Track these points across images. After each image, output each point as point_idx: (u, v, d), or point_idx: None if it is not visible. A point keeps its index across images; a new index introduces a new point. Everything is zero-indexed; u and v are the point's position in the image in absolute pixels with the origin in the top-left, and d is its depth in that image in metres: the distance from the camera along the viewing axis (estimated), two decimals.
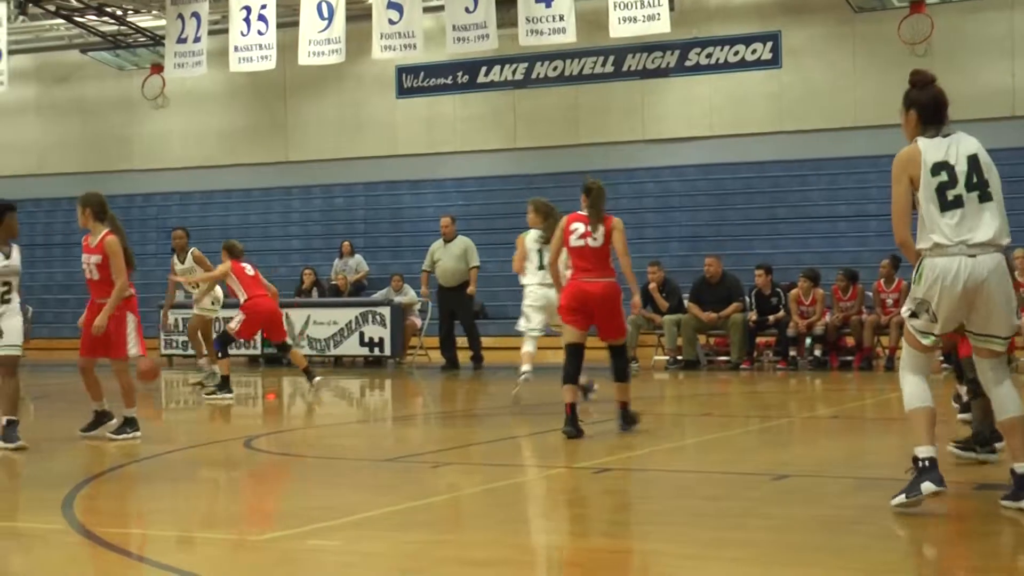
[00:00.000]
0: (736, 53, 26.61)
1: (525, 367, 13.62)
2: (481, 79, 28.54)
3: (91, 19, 28.54)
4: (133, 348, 10.56)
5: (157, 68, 28.24)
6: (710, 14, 26.92)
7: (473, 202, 26.89)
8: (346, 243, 25.26)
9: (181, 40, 24.74)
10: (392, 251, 26.89)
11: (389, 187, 29.10)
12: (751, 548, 6.14)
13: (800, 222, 25.08)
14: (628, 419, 10.94)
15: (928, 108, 6.95)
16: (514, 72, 28.32)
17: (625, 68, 27.53)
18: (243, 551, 6.33)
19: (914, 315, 6.83)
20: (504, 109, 28.49)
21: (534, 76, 28.19)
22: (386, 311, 21.27)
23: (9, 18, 26.13)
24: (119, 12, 28.16)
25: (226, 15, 24.87)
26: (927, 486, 6.66)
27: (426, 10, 23.98)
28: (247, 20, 24.18)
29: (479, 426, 13.01)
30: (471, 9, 22.99)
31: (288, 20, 24.64)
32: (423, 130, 28.99)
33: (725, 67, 26.65)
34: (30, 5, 25.66)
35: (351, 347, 21.35)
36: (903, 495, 6.78)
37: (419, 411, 15.03)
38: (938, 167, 6.73)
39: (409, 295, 22.34)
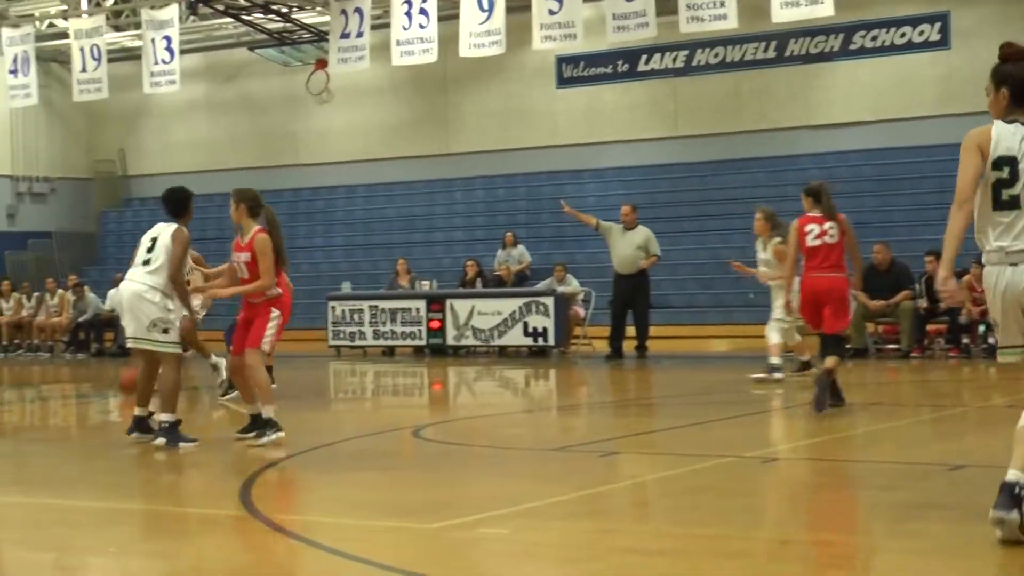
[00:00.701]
0: (903, 35, 26.07)
1: (776, 359, 14.19)
2: (641, 67, 28.42)
3: (258, 17, 29.14)
4: (267, 345, 9.97)
5: (321, 64, 28.70)
6: None
7: (634, 191, 26.79)
8: (509, 234, 25.39)
9: (344, 35, 25.13)
10: (554, 241, 26.94)
11: (550, 177, 29.16)
12: (928, 539, 6.03)
13: None
14: (833, 394, 11.27)
15: (1020, 85, 6.20)
16: (674, 60, 28.14)
17: (787, 53, 27.16)
18: (415, 539, 6.41)
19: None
20: (664, 97, 28.35)
21: (695, 63, 27.97)
22: (549, 301, 21.32)
23: (180, 18, 26.84)
24: (284, 9, 28.70)
25: (388, 10, 25.18)
26: None
27: (586, 0, 23.97)
28: (408, 14, 24.45)
29: (646, 415, 12.98)
30: None
31: (449, 13, 24.85)
32: (583, 119, 28.99)
33: (891, 50, 26.13)
34: (200, 5, 26.29)
35: (515, 337, 21.45)
36: None
37: (584, 400, 15.04)
38: (1002, 161, 6.05)
39: (572, 285, 22.36)
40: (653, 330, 20.68)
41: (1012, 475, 5.86)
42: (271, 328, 9.98)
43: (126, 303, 10.00)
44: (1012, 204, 6.00)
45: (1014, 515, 5.76)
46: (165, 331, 9.87)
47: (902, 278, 19.82)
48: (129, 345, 10.38)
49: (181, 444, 9.76)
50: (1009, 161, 6.01)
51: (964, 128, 25.45)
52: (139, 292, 9.83)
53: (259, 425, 9.98)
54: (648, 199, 25.92)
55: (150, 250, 9.97)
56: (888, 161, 26.15)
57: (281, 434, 9.87)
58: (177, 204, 10.29)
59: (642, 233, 20.22)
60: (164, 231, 10.08)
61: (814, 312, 11.67)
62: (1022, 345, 6.09)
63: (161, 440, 9.79)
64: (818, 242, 11.72)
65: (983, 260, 6.13)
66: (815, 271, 11.66)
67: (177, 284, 9.92)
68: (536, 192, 29.20)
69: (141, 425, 10.10)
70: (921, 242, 22.39)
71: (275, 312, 10.07)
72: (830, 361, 11.34)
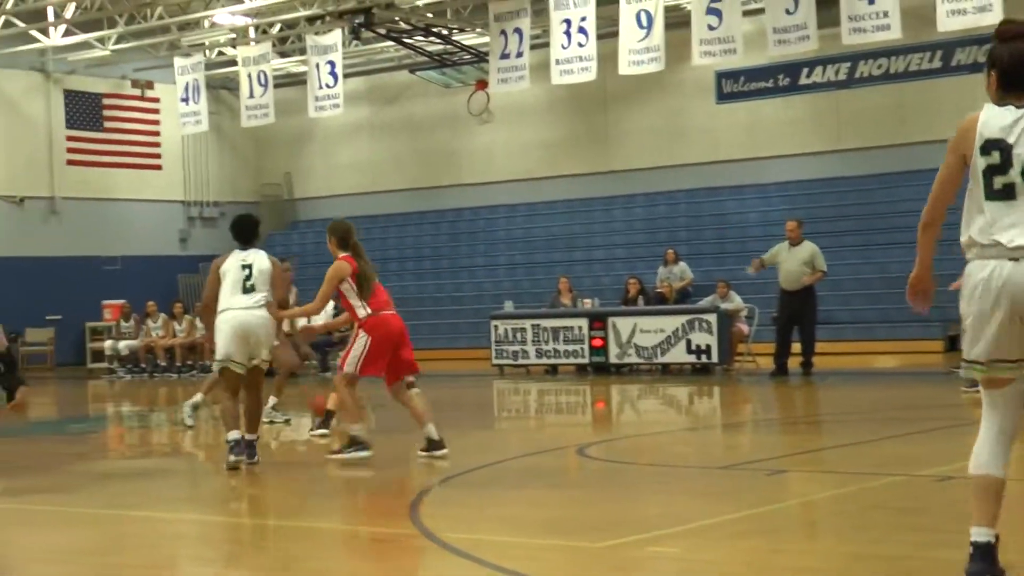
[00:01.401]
0: None
1: None
2: (803, 80, 28.09)
3: (419, 40, 29.55)
4: (350, 367, 10.10)
5: (482, 84, 28.96)
6: None
7: (797, 206, 26.48)
8: (670, 251, 25.30)
9: (504, 56, 25.32)
10: (716, 257, 26.77)
11: (710, 193, 29.01)
12: None
13: None
14: None
15: (1009, 68, 5.43)
16: (837, 72, 27.76)
17: (954, 63, 26.62)
18: (583, 557, 6.44)
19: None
20: (827, 110, 28.00)
21: (858, 75, 27.56)
22: (712, 318, 21.18)
23: (344, 43, 27.34)
24: (445, 31, 29.05)
25: (547, 29, 25.30)
26: None
27: (745, 14, 23.79)
28: (567, 33, 24.53)
29: (813, 432, 12.82)
30: (792, 10, 22.69)
31: (607, 31, 24.88)
32: (744, 135, 28.78)
33: None
34: (363, 30, 26.76)
35: (678, 355, 21.35)
36: None
37: (749, 418, 14.92)
38: (990, 145, 5.30)
39: (735, 301, 22.19)
40: (818, 346, 20.42)
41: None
42: (356, 350, 10.15)
43: (254, 328, 10.03)
44: (1006, 193, 5.31)
45: None
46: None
47: None
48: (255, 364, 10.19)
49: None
50: (999, 144, 5.30)
51: None
52: (262, 317, 10.02)
53: (432, 447, 10.21)
54: (811, 214, 25.60)
55: (248, 278, 10.11)
56: None
57: (367, 453, 10.07)
58: (251, 230, 10.46)
59: (808, 248, 19.99)
60: (257, 257, 10.24)
61: None
62: (1007, 361, 5.33)
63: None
64: None
65: (968, 259, 5.44)
66: None
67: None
68: (697, 208, 29.07)
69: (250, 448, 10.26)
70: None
71: (363, 335, 10.19)
72: None
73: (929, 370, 19.60)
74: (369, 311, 10.31)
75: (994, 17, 21.45)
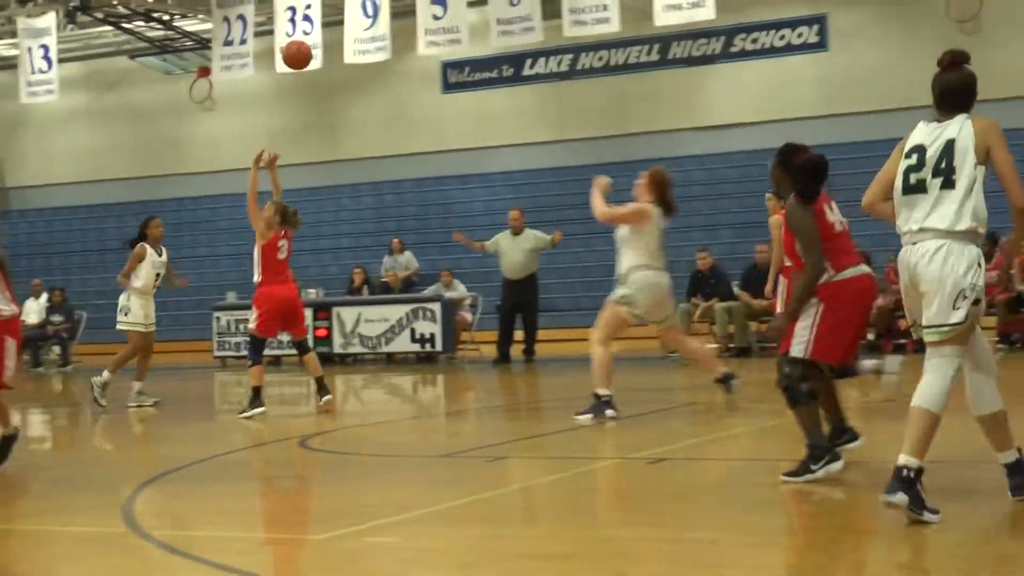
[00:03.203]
0: (782, 37, 26.47)
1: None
2: (527, 72, 28.54)
3: (138, 25, 28.77)
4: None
5: (204, 71, 28.44)
6: None
7: (522, 195, 26.86)
8: (396, 240, 25.31)
9: (228, 43, 24.90)
10: (442, 247, 26.91)
11: (438, 183, 29.14)
12: (811, 535, 6.10)
13: (852, 205, 24.80)
14: None
15: (937, 92, 6.66)
16: (559, 63, 28.29)
17: (671, 56, 27.44)
18: (303, 550, 6.35)
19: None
20: (551, 101, 28.47)
21: (580, 67, 28.14)
22: (436, 307, 21.30)
23: (59, 27, 26.39)
24: (166, 17, 28.36)
25: (271, 16, 24.99)
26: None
27: (470, 4, 23.99)
28: (292, 20, 24.29)
29: (533, 419, 13.00)
30: (515, 2, 23.02)
31: (333, 19, 24.72)
32: (470, 124, 29.01)
33: (772, 52, 26.52)
34: (79, 13, 25.86)
35: (402, 344, 21.40)
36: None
37: (472, 405, 15.03)
38: (913, 150, 6.47)
39: (459, 290, 22.36)
40: (541, 334, 20.74)
41: (902, 459, 6.09)
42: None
43: None
44: (918, 188, 6.38)
45: (899, 497, 5.94)
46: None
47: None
48: None
49: None
50: (918, 148, 6.43)
51: (844, 128, 26.21)
52: None
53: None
54: (535, 203, 26.01)
55: None
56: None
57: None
58: None
59: (531, 237, 20.27)
60: None
61: None
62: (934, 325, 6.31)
63: None
64: None
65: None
66: None
67: None
68: (423, 198, 29.16)
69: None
70: None
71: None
72: None
73: (648, 355, 20.11)
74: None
75: (707, 13, 22.20)
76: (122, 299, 14.93)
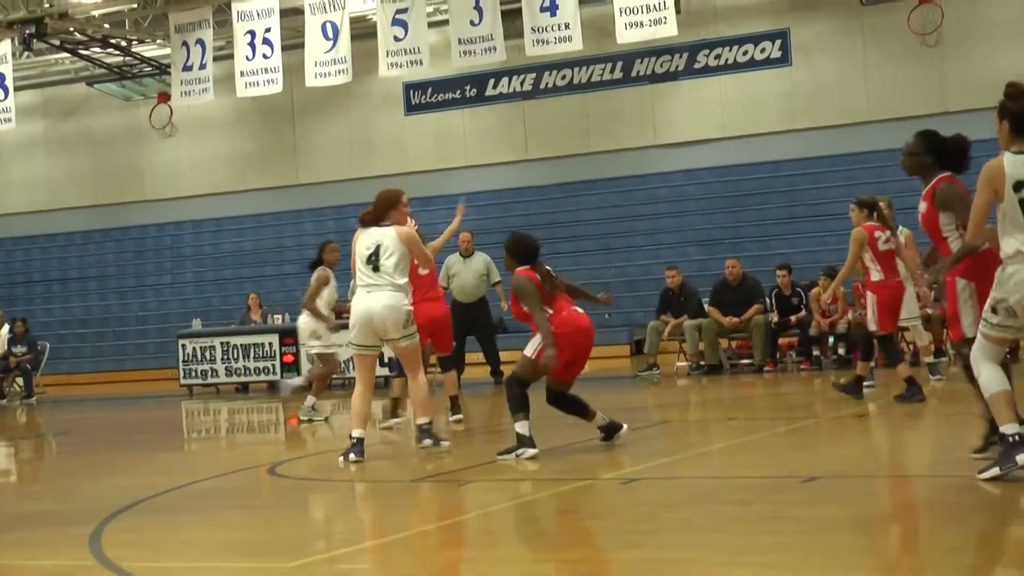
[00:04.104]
0: (745, 53, 26.65)
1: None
2: (489, 92, 28.62)
3: (96, 51, 28.70)
4: None
5: (164, 97, 28.37)
6: (717, 15, 26.97)
7: (486, 216, 26.93)
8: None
9: (187, 68, 24.85)
10: None
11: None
12: (782, 552, 6.15)
13: (818, 220, 25.05)
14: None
15: (1020, 120, 7.46)
16: (522, 83, 28.39)
17: (634, 74, 27.58)
18: None
19: (993, 311, 7.47)
20: (514, 121, 28.56)
21: (542, 86, 28.25)
22: None
23: (14, 54, 26.30)
24: (124, 43, 28.30)
25: (231, 40, 24.99)
26: (1021, 457, 7.24)
27: (431, 25, 24.05)
28: (252, 44, 24.26)
29: (503, 442, 13.00)
30: (476, 22, 23.05)
31: (293, 42, 24.74)
32: (433, 146, 29.07)
33: (735, 67, 26.69)
34: (34, 40, 25.77)
35: None
36: (996, 468, 7.33)
37: (441, 430, 15.03)
38: (1019, 185, 7.36)
39: None
40: (510, 355, 20.74)
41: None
42: None
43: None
44: None
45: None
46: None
47: (753, 293, 20.16)
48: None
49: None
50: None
51: (809, 142, 26.31)
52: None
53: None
54: (500, 223, 26.06)
55: None
56: (737, 177, 26.65)
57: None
58: None
59: (481, 260, 20.27)
60: None
61: None
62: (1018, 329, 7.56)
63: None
64: (887, 247, 13.22)
65: (1009, 263, 7.41)
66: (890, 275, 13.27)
67: None
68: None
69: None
70: (771, 256, 22.88)
71: None
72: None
73: (618, 375, 20.18)
74: None
75: (669, 30, 22.32)
76: (308, 324, 15.17)
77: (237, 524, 8.12)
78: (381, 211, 11.08)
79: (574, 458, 10.46)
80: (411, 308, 11.04)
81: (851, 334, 19.36)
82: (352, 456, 10.43)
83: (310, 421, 14.72)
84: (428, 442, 10.91)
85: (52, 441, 14.51)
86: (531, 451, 10.16)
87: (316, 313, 15.01)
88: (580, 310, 10.70)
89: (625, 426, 10.77)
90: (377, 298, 10.82)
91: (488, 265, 20.12)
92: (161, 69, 28.30)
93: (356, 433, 10.54)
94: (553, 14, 22.53)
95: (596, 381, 19.66)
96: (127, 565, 6.69)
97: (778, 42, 26.43)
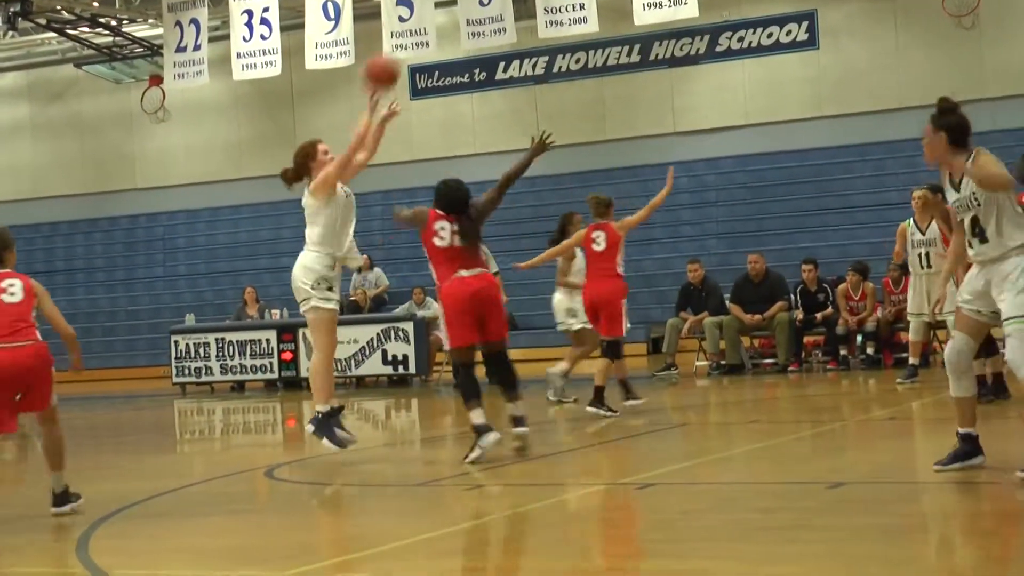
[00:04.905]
0: (770, 35, 26.61)
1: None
2: (500, 76, 28.60)
3: (84, 31, 28.75)
4: None
5: (156, 80, 28.42)
6: None
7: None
8: (365, 256, 25.30)
9: (180, 49, 24.89)
10: (412, 263, 26.88)
11: (407, 194, 29.10)
12: (806, 562, 6.16)
13: (846, 212, 25.01)
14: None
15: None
16: (534, 67, 28.36)
17: (652, 57, 27.53)
18: None
19: None
20: (525, 106, 28.53)
21: (555, 70, 28.22)
22: (409, 326, 21.32)
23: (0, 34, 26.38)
24: (113, 22, 28.34)
25: (227, 20, 25.03)
26: None
27: (438, 5, 24.08)
28: (249, 25, 24.32)
29: (513, 444, 13.01)
30: (486, 2, 23.09)
31: (293, 23, 24.77)
32: (440, 132, 29.05)
33: (759, 51, 26.65)
34: (19, 19, 25.82)
35: (374, 366, 21.39)
36: None
37: (449, 431, 15.06)
38: None
39: (432, 308, 22.38)
40: (520, 353, 20.76)
41: None
42: None
43: None
44: None
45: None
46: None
47: (777, 289, 20.13)
48: None
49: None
50: None
51: (837, 130, 26.23)
52: None
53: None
54: (508, 214, 26.07)
55: None
56: (760, 167, 26.61)
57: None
58: None
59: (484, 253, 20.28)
60: None
61: None
62: None
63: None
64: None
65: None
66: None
67: None
68: (392, 211, 29.13)
69: None
70: (796, 250, 22.84)
71: None
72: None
73: (634, 375, 20.15)
74: None
75: (689, 11, 22.34)
76: (563, 302, 15.38)
77: (232, 530, 8.14)
78: (300, 166, 11.31)
79: (587, 461, 10.48)
80: (319, 272, 11.09)
81: (880, 332, 19.36)
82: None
83: (560, 403, 14.84)
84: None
85: (37, 442, 14.55)
86: (491, 436, 10.07)
87: (572, 286, 15.00)
88: (469, 273, 10.61)
89: (527, 429, 10.69)
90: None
91: (488, 257, 20.12)
92: (153, 50, 28.33)
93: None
94: None
95: (612, 381, 19.67)
96: (117, 573, 6.72)
97: (805, 24, 26.37)
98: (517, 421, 10.66)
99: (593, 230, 13.93)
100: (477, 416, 10.19)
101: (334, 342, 11.16)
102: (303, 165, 11.02)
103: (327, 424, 10.82)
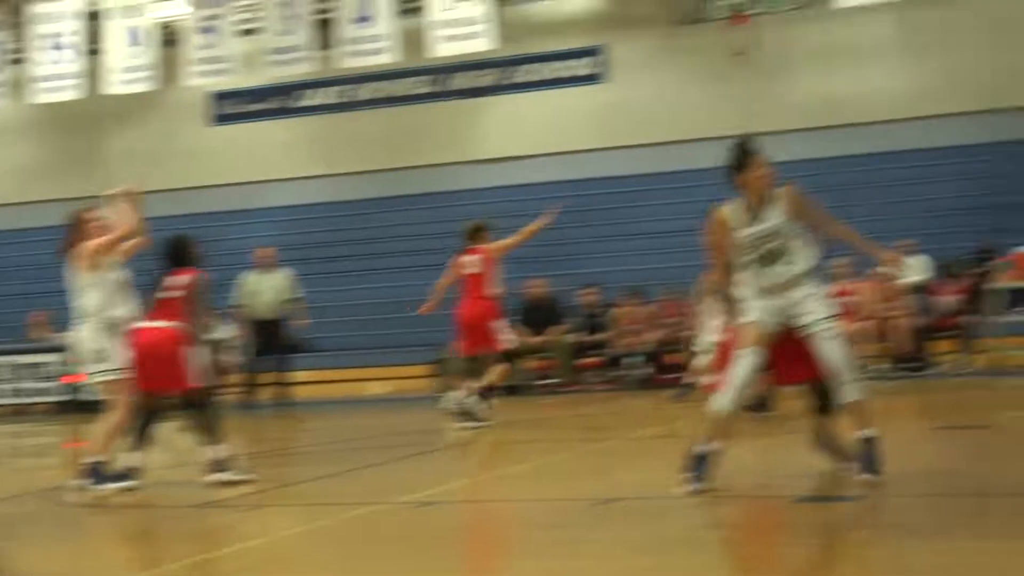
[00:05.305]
0: (560, 69, 26.78)
1: None
2: (299, 103, 28.31)
3: None
4: None
5: None
6: (532, 30, 27.05)
7: (293, 231, 26.55)
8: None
9: None
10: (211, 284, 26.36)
11: (209, 218, 28.54)
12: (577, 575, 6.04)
13: (630, 239, 25.21)
14: None
15: None
16: (334, 95, 28.13)
17: (448, 88, 27.53)
18: None
19: None
20: (325, 133, 28.27)
21: (354, 98, 28.02)
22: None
23: None
24: None
25: (26, 44, 24.28)
26: None
27: (241, 33, 23.70)
28: (49, 48, 23.65)
29: (292, 464, 12.74)
30: (289, 32, 22.83)
31: (96, 47, 24.14)
32: (241, 158, 28.59)
33: (549, 84, 26.82)
34: None
35: None
36: None
37: (240, 452, 14.67)
38: None
39: (222, 331, 21.84)
40: (303, 375, 20.51)
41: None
42: None
43: None
44: None
45: None
46: None
47: (558, 312, 20.28)
48: None
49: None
50: None
51: (621, 161, 26.40)
52: None
53: None
54: (307, 239, 25.75)
55: None
56: (550, 196, 26.59)
57: None
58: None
59: (282, 275, 19.98)
60: None
61: None
62: None
63: None
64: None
65: None
66: None
67: None
68: (193, 235, 28.51)
69: None
70: (580, 275, 22.88)
71: None
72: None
73: (418, 396, 19.99)
74: None
75: (484, 44, 22.34)
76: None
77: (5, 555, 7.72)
78: (73, 237, 10.01)
79: (368, 480, 10.26)
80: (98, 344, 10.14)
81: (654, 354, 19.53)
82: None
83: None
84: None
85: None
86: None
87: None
88: (153, 324, 10.25)
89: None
90: None
91: (288, 281, 19.83)
92: None
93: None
94: (368, 26, 22.45)
95: (393, 403, 19.50)
96: None
97: (593, 59, 26.61)
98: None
99: (466, 254, 14.01)
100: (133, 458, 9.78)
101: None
102: (75, 237, 10.05)
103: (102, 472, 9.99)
